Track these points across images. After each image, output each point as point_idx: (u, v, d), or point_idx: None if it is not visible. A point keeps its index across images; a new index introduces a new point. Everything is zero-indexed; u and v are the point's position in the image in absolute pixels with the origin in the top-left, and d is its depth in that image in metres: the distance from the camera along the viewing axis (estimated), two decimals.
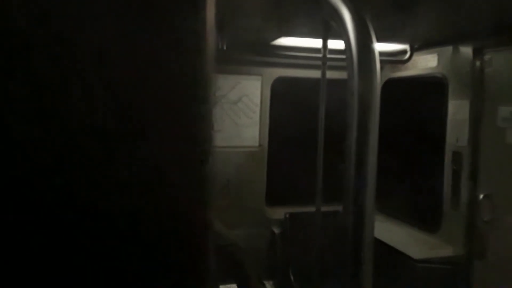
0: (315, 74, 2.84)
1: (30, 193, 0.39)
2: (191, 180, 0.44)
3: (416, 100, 3.66)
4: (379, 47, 0.83)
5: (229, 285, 2.62)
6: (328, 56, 2.63)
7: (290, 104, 3.92)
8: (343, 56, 0.84)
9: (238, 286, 2.46)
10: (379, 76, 0.79)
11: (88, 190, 0.40)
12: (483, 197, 2.74)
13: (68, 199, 0.40)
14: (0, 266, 0.39)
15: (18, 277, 0.39)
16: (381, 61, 0.84)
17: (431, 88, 3.40)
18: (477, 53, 2.82)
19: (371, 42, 0.77)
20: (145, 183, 0.43)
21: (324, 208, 2.90)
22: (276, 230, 3.71)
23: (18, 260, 0.39)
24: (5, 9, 0.38)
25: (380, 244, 3.03)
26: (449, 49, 3.04)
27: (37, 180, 0.39)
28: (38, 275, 0.40)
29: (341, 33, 0.80)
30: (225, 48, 2.89)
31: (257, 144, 3.77)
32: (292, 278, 3.48)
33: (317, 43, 2.95)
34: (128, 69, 0.42)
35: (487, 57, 2.78)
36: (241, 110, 3.72)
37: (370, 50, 0.76)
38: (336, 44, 2.75)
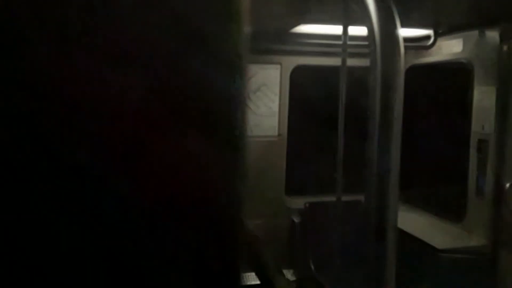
0: (336, 61, 2.79)
1: (76, 184, 0.40)
2: (225, 169, 0.44)
3: (440, 87, 3.56)
4: (402, 32, 0.80)
5: (247, 274, 2.64)
6: (349, 43, 2.57)
7: (310, 93, 3.87)
8: (365, 43, 0.82)
9: (256, 275, 2.47)
10: (403, 62, 0.77)
11: (127, 183, 0.41)
12: (510, 185, 2.66)
13: (107, 190, 0.41)
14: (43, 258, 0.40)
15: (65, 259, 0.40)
16: (404, 47, 0.81)
17: (455, 75, 3.30)
18: (504, 37, 2.71)
19: (395, 27, 0.74)
20: (180, 172, 0.43)
21: (344, 198, 2.88)
22: (296, 220, 3.70)
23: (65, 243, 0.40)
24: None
25: (402, 234, 2.99)
26: (474, 33, 2.93)
27: (80, 172, 0.40)
28: (84, 263, 0.41)
29: (364, 19, 0.77)
30: None
31: (276, 133, 3.75)
32: (312, 267, 3.48)
33: (337, 29, 2.89)
34: (167, 58, 0.42)
35: None
36: (260, 99, 3.70)
37: (394, 36, 0.74)
38: (356, 30, 2.69)
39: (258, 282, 2.49)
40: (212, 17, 0.43)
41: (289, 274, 3.65)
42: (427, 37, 3.24)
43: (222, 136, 0.44)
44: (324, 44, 3.31)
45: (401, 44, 0.76)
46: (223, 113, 0.44)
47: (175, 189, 0.43)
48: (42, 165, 0.40)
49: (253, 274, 2.59)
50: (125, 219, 0.42)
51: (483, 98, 2.87)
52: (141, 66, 0.42)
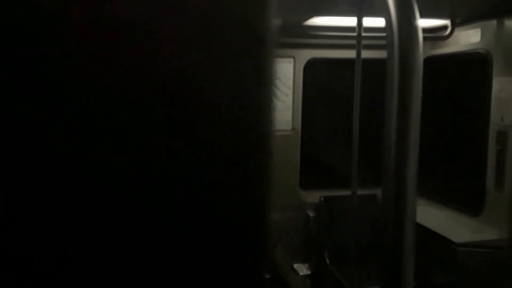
0: (350, 54, 2.76)
1: (104, 184, 0.40)
2: (253, 167, 0.44)
3: (457, 77, 3.50)
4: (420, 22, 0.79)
5: None
6: (364, 34, 2.53)
7: (324, 86, 3.84)
8: (380, 34, 0.80)
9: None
10: (422, 53, 0.75)
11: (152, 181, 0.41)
12: None
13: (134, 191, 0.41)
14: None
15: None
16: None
17: (473, 65, 3.23)
18: None
19: (414, 17, 0.72)
20: (207, 170, 0.43)
21: (359, 192, 2.85)
22: (311, 214, 3.70)
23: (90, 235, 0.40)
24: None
25: (420, 228, 2.96)
26: (493, 23, 2.86)
27: (112, 173, 0.40)
28: (113, 252, 0.41)
29: (381, 9, 0.76)
30: None
31: (290, 127, 3.74)
32: (327, 261, 3.47)
33: (351, 21, 2.86)
34: (197, 57, 0.42)
35: None
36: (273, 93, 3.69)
37: (413, 26, 0.72)
38: (371, 21, 2.65)
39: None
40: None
41: (304, 268, 3.65)
42: (444, 27, 3.17)
43: (252, 137, 0.44)
44: (338, 36, 3.27)
45: (420, 34, 0.74)
46: (251, 107, 0.44)
47: (201, 186, 0.43)
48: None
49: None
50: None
51: (502, 89, 2.81)
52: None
